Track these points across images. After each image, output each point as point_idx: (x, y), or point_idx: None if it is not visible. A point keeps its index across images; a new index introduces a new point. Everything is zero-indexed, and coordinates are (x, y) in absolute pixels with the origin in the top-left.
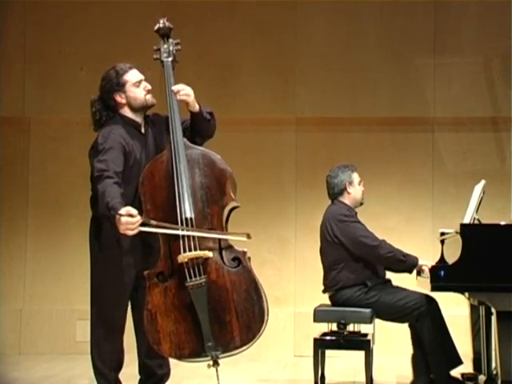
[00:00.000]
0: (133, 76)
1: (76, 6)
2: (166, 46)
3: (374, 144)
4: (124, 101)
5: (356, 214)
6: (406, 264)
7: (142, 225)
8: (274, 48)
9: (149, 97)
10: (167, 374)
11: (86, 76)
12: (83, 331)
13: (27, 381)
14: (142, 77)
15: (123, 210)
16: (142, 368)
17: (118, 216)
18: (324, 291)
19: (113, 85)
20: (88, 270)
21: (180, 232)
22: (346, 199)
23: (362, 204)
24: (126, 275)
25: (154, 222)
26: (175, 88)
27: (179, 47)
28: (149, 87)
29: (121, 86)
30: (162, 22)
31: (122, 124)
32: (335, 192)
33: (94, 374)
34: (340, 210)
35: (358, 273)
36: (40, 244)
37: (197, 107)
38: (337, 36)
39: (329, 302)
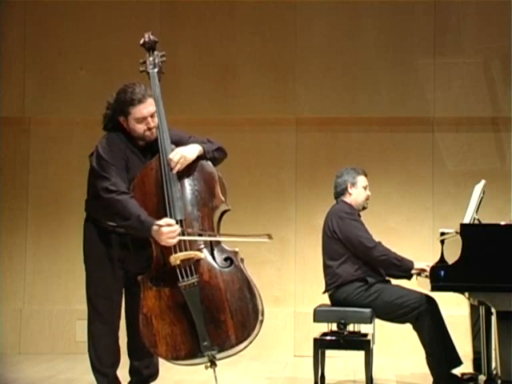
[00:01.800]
0: (138, 111)
1: (76, 6)
2: (151, 58)
3: (374, 144)
4: (125, 125)
5: (359, 215)
6: (401, 268)
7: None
8: (273, 48)
9: (148, 133)
10: (153, 375)
11: (86, 76)
12: (83, 331)
13: (27, 381)
14: (148, 113)
15: (162, 221)
16: (130, 369)
17: (156, 227)
18: (324, 291)
19: (119, 108)
20: None
21: (217, 238)
22: (348, 200)
23: (364, 208)
24: (114, 274)
25: (189, 230)
26: (169, 160)
27: (164, 59)
28: (151, 125)
29: (125, 114)
30: (146, 36)
31: (124, 139)
32: (338, 191)
33: (92, 371)
34: (342, 207)
35: (357, 268)
36: (40, 244)
37: (196, 155)
38: (337, 36)
39: (329, 302)
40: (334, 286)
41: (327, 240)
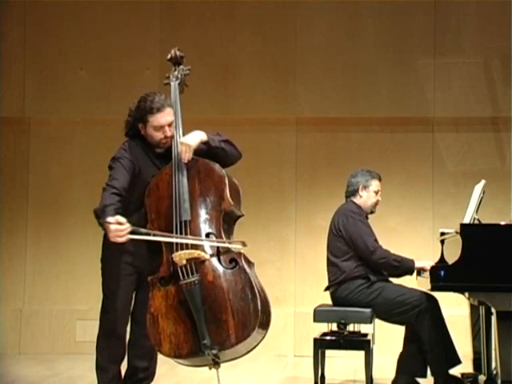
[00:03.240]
0: (156, 120)
1: (76, 6)
2: (176, 72)
3: (374, 144)
4: (143, 132)
5: (366, 216)
6: (401, 269)
7: (132, 233)
8: (274, 48)
9: (165, 141)
10: (148, 378)
11: (86, 76)
12: (83, 331)
13: (27, 381)
14: (165, 122)
15: (112, 218)
16: (128, 368)
17: (106, 224)
18: (326, 288)
19: (138, 116)
20: (88, 270)
21: (169, 239)
22: (357, 201)
23: (372, 212)
24: (124, 270)
25: (143, 230)
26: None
27: (188, 72)
28: (168, 133)
29: (144, 122)
30: (173, 51)
31: (141, 146)
32: (349, 190)
33: (95, 367)
34: (350, 207)
35: (360, 265)
36: (40, 244)
37: (199, 141)
38: (337, 36)
39: (329, 302)
40: (336, 282)
41: (332, 237)
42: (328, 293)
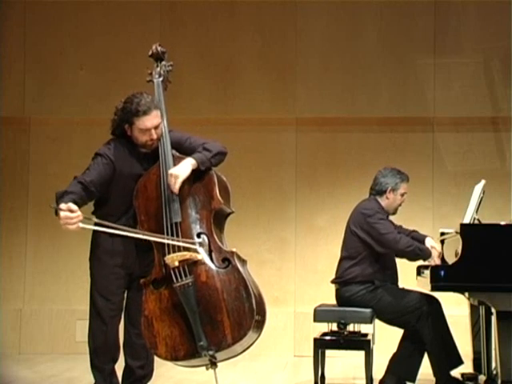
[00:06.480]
0: (142, 123)
1: (76, 6)
2: (158, 68)
3: (374, 144)
4: (129, 132)
5: (387, 216)
6: (421, 256)
7: (97, 225)
8: (273, 48)
9: (150, 143)
10: (147, 376)
11: (86, 76)
12: (83, 331)
13: (27, 381)
14: (151, 125)
15: (63, 205)
16: (125, 368)
17: (58, 210)
18: (332, 281)
19: (125, 117)
20: (88, 270)
21: (121, 232)
22: (382, 202)
23: (393, 214)
24: (115, 274)
25: (96, 220)
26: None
27: (171, 68)
28: (154, 136)
29: (130, 123)
30: (154, 47)
31: (127, 146)
32: (376, 189)
33: (90, 366)
34: (371, 205)
35: (369, 271)
36: (40, 244)
37: (189, 171)
38: (337, 36)
39: (329, 302)
40: (342, 280)
41: (349, 235)
42: (328, 291)
